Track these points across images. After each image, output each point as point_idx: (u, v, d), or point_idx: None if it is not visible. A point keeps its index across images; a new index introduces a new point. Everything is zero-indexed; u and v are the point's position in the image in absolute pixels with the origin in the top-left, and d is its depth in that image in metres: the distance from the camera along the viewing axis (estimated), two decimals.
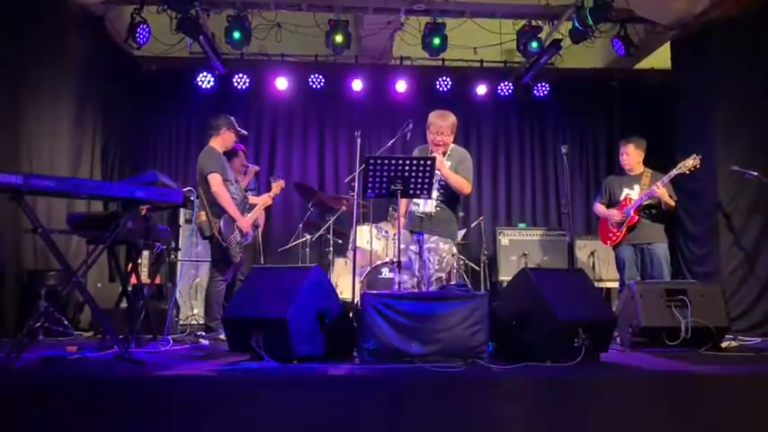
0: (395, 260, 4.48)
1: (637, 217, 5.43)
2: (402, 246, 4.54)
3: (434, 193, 4.52)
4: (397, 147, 6.06)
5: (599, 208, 5.77)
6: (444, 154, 4.61)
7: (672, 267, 5.74)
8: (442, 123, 4.58)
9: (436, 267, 4.53)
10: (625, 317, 4.51)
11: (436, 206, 4.56)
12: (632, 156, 5.64)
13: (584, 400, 3.03)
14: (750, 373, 3.41)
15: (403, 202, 4.61)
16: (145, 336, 4.49)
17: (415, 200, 4.59)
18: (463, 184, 4.57)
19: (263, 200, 5.60)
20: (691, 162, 5.30)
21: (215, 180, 5.01)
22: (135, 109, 7.59)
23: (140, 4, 6.36)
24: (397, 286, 4.54)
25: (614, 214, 5.54)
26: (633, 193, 5.53)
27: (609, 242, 5.65)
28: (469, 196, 5.94)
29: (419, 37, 6.96)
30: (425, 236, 4.58)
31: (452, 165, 4.59)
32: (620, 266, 5.57)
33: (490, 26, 7.04)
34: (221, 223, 4.99)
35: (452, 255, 4.69)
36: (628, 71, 8.10)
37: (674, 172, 5.34)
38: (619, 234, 5.51)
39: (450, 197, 4.63)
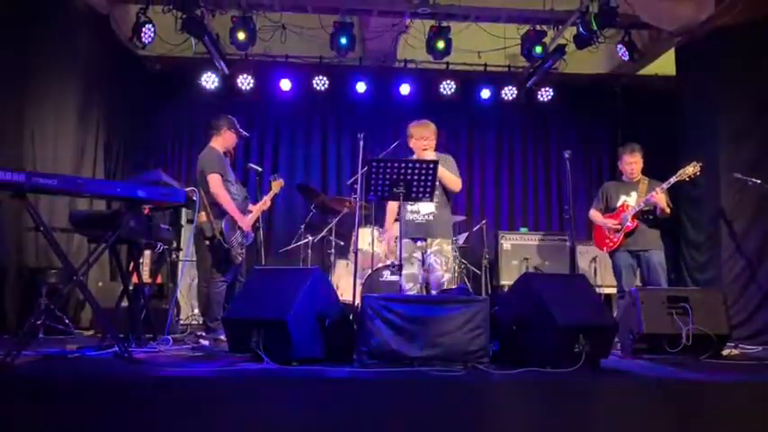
0: (396, 263, 4.49)
1: (633, 223, 5.43)
2: (405, 255, 4.60)
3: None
4: (399, 150, 6.06)
5: (595, 215, 5.75)
6: None
7: (673, 274, 5.71)
8: (424, 130, 4.79)
9: (444, 269, 4.61)
10: (626, 323, 4.49)
11: (435, 207, 4.67)
12: (640, 163, 5.63)
13: (583, 406, 3.02)
14: (751, 381, 3.40)
15: (396, 205, 4.67)
16: (145, 335, 4.48)
17: (411, 208, 4.64)
18: (455, 181, 4.78)
19: (261, 205, 5.53)
20: (690, 169, 5.28)
21: (214, 180, 5.01)
22: (139, 108, 7.60)
23: (146, 4, 6.37)
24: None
25: (610, 222, 5.54)
26: (630, 200, 5.52)
27: (605, 248, 5.63)
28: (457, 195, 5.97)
29: (424, 40, 6.96)
30: (429, 240, 4.64)
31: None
32: (617, 273, 5.56)
33: (495, 30, 7.04)
34: (223, 224, 4.99)
35: (453, 255, 4.76)
36: (632, 77, 8.09)
37: (674, 179, 5.32)
38: (616, 240, 5.49)
39: (446, 197, 4.79)
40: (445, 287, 4.56)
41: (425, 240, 4.67)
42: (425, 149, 4.75)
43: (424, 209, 4.67)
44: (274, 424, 2.81)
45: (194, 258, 6.64)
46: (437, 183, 4.62)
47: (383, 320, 3.54)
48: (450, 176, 4.73)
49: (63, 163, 5.80)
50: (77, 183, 3.53)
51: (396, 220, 6.28)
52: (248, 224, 5.20)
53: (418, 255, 4.69)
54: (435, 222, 4.67)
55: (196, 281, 6.71)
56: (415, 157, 4.77)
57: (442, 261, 4.61)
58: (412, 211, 4.71)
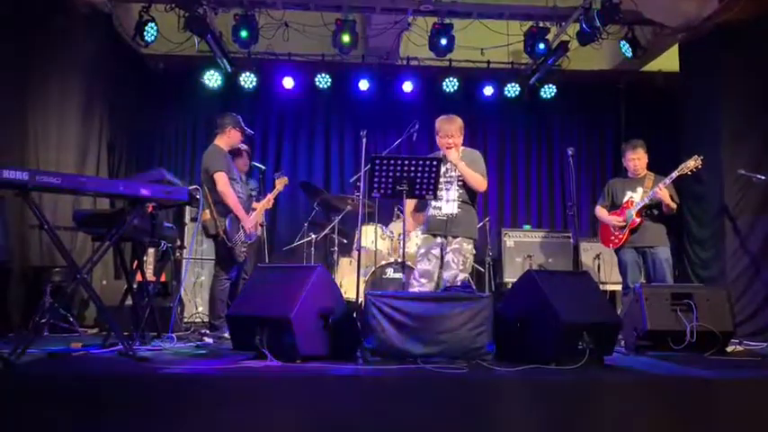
0: (399, 260, 4.50)
1: (639, 219, 5.41)
2: (422, 250, 4.60)
3: (455, 193, 4.63)
4: (402, 147, 6.06)
5: (601, 212, 5.73)
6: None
7: (677, 271, 5.69)
8: (449, 126, 4.69)
9: (461, 268, 4.58)
10: (630, 320, 4.49)
11: (458, 206, 4.63)
12: (644, 159, 5.62)
13: (587, 403, 3.02)
14: (755, 377, 3.40)
15: (410, 203, 4.63)
16: (149, 333, 4.49)
17: (434, 203, 4.63)
18: (480, 181, 4.68)
19: (265, 203, 5.55)
20: (692, 163, 5.26)
21: (221, 179, 5.01)
22: (142, 107, 7.61)
23: (148, 3, 6.37)
24: (414, 290, 4.55)
25: (615, 219, 5.52)
26: (636, 196, 5.49)
27: (611, 245, 5.61)
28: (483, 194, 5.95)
29: (426, 37, 6.95)
30: (449, 238, 4.61)
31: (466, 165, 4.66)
32: (623, 270, 5.54)
33: (497, 27, 7.03)
34: (227, 222, 4.99)
35: (473, 254, 4.73)
36: (635, 73, 8.07)
37: (676, 173, 5.30)
38: (621, 237, 5.47)
39: (470, 195, 4.71)
40: (458, 285, 4.53)
41: (445, 237, 4.64)
42: (449, 148, 4.66)
43: (446, 207, 4.62)
44: (278, 422, 2.81)
45: (198, 257, 6.68)
46: (461, 181, 4.64)
47: (387, 318, 3.55)
48: (471, 174, 4.63)
49: (66, 161, 5.81)
50: (81, 181, 3.53)
51: (398, 217, 6.30)
52: (252, 223, 5.19)
53: (436, 251, 4.65)
54: (457, 221, 4.61)
55: (201, 278, 6.77)
56: (440, 153, 4.73)
57: (459, 260, 4.57)
58: (434, 207, 4.68)
